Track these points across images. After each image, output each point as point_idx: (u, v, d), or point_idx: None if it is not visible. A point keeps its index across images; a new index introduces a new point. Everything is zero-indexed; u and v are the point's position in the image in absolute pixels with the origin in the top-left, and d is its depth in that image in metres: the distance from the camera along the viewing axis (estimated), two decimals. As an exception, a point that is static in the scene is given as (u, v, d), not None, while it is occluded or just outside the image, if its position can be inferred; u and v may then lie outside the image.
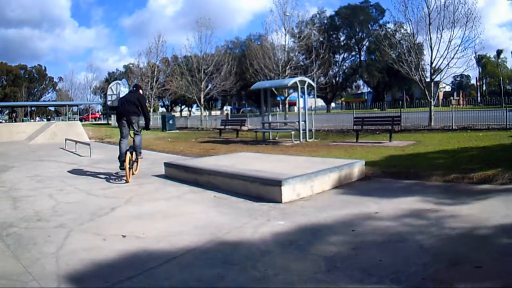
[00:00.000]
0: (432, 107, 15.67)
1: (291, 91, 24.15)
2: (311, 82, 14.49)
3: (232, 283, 2.55)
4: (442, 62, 15.72)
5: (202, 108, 30.09)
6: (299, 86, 13.28)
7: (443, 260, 2.75)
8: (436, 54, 15.78)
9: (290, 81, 13.64)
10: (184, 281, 2.61)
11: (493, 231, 3.29)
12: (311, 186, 4.99)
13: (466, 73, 56.64)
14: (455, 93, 56.76)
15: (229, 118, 23.76)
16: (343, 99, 65.28)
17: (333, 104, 61.76)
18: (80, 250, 3.20)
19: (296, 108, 31.16)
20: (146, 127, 7.12)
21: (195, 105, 53.68)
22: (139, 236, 3.56)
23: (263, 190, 4.84)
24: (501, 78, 56.89)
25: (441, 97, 34.67)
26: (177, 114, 56.70)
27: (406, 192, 4.91)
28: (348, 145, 10.87)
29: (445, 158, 7.28)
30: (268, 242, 3.30)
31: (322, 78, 35.56)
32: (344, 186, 5.45)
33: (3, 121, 47.71)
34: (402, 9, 16.36)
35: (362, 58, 54.18)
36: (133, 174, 6.82)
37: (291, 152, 9.29)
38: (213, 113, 50.09)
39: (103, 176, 7.05)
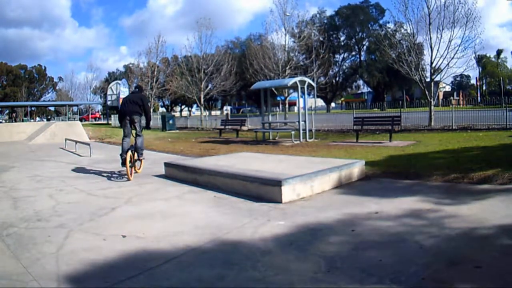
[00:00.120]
0: (432, 107, 15.68)
1: (291, 91, 24.17)
2: (311, 82, 14.49)
3: (232, 283, 2.55)
4: (442, 62, 15.76)
5: (202, 108, 30.08)
6: (299, 86, 13.28)
7: (443, 260, 2.75)
8: (436, 54, 15.83)
9: (290, 81, 13.64)
10: (184, 281, 2.61)
11: (493, 231, 3.29)
12: (311, 186, 4.99)
13: (466, 73, 56.81)
14: (455, 93, 56.76)
15: (229, 118, 23.76)
16: (343, 99, 65.26)
17: (333, 104, 61.76)
18: (80, 250, 3.20)
19: (296, 108, 31.17)
20: (147, 125, 7.30)
21: (195, 105, 53.67)
22: (139, 236, 3.56)
23: (263, 190, 4.84)
24: (501, 78, 56.92)
25: (441, 97, 34.68)
26: (177, 114, 56.72)
27: (406, 192, 4.90)
28: (348, 145, 10.87)
29: (445, 158, 7.28)
30: (268, 242, 3.30)
31: (322, 78, 35.60)
32: (344, 186, 5.45)
33: (3, 121, 47.73)
34: (402, 9, 16.43)
35: (362, 58, 54.21)
36: (136, 172, 7.02)
37: (291, 152, 9.29)
38: (213, 113, 50.15)
39: (103, 176, 7.05)
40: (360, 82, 59.32)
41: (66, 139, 13.56)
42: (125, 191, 5.65)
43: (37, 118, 57.69)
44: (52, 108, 64.16)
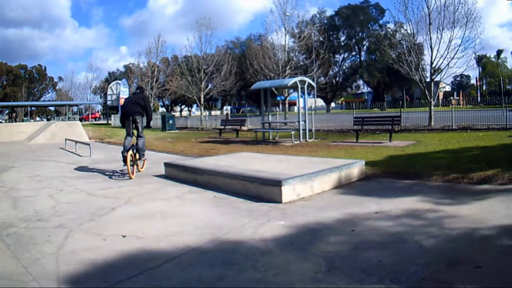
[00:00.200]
0: (432, 107, 15.68)
1: (291, 91, 24.17)
2: (311, 82, 14.49)
3: (232, 283, 2.55)
4: (442, 62, 15.76)
5: (202, 108, 30.09)
6: (299, 86, 13.28)
7: (443, 260, 2.75)
8: (436, 54, 15.83)
9: (290, 81, 13.63)
10: (184, 281, 2.61)
11: (493, 231, 3.29)
12: (311, 186, 4.99)
13: (466, 73, 56.87)
14: (455, 93, 56.79)
15: (229, 118, 23.75)
16: (343, 99, 65.26)
17: (333, 104, 61.76)
18: (80, 250, 3.20)
19: (296, 108, 31.19)
20: (147, 124, 7.44)
21: (195, 105, 53.67)
22: (139, 236, 3.56)
23: (263, 190, 4.84)
24: (501, 78, 56.94)
25: (441, 97, 34.70)
26: (177, 114, 56.72)
27: (406, 192, 4.90)
28: (348, 145, 10.87)
29: (445, 158, 7.28)
30: (268, 242, 3.30)
31: (322, 78, 35.59)
32: (344, 186, 5.45)
33: (3, 121, 47.74)
34: (402, 9, 16.42)
35: (362, 58, 54.22)
36: (139, 171, 7.26)
37: (291, 152, 9.29)
38: (213, 113, 50.13)
39: (103, 176, 7.06)
40: (360, 82, 59.37)
41: (66, 139, 13.56)
42: (125, 191, 5.65)
43: (37, 118, 57.73)
44: (52, 108, 64.20)
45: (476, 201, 4.28)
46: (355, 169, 5.89)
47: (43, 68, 66.82)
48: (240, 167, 5.94)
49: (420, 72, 16.34)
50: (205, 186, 5.73)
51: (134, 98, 7.29)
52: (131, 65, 43.17)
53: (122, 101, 34.29)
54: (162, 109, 60.64)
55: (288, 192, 4.65)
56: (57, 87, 65.13)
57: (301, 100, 14.98)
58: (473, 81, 64.53)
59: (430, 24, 15.75)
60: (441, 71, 15.91)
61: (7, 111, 58.02)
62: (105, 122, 39.52)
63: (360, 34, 52.83)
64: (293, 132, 12.96)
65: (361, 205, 4.33)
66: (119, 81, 39.30)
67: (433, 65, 16.04)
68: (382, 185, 5.44)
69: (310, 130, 13.48)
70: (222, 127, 18.27)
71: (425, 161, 7.15)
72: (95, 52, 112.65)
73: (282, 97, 28.81)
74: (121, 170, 7.42)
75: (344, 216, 3.97)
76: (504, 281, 2.41)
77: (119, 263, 2.95)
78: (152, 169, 7.53)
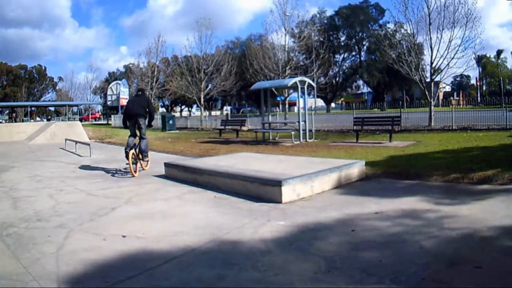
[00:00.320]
0: (432, 107, 15.68)
1: (291, 91, 24.16)
2: (311, 82, 14.49)
3: (232, 283, 2.56)
4: (442, 62, 15.75)
5: (202, 108, 30.08)
6: (299, 86, 13.28)
7: (443, 260, 2.75)
8: (436, 54, 15.83)
9: (290, 81, 13.63)
10: (184, 281, 2.61)
11: (493, 231, 3.29)
12: (311, 186, 4.99)
13: (466, 73, 56.86)
14: (455, 93, 56.76)
15: (229, 118, 23.76)
16: (343, 99, 65.25)
17: (333, 104, 61.73)
18: (80, 250, 3.20)
19: (296, 108, 31.19)
20: (149, 124, 7.59)
21: (195, 105, 53.67)
22: (139, 236, 3.56)
23: (263, 190, 4.84)
24: (501, 78, 56.92)
25: (441, 97, 34.67)
26: (177, 114, 56.73)
27: (406, 192, 4.91)
28: (348, 145, 10.87)
29: (445, 158, 7.28)
30: (268, 242, 3.30)
31: (322, 78, 35.59)
32: (344, 186, 5.45)
33: (3, 121, 47.76)
34: (402, 9, 16.42)
35: (362, 58, 54.21)
36: (143, 169, 7.39)
37: (291, 152, 9.29)
38: (213, 113, 50.19)
39: (103, 176, 7.06)
40: (360, 82, 59.36)
41: (66, 139, 13.56)
42: (125, 191, 5.65)
43: (37, 118, 57.73)
44: (52, 108, 64.17)
45: (476, 201, 4.28)
46: (355, 169, 5.89)
47: (43, 68, 66.89)
48: (240, 167, 5.94)
49: (420, 72, 16.34)
50: (205, 186, 5.73)
51: (137, 100, 7.45)
52: (131, 65, 43.20)
53: (122, 102, 34.54)
54: (162, 109, 60.58)
55: (288, 192, 4.65)
56: (57, 87, 65.17)
57: (301, 100, 14.99)
58: (473, 81, 64.56)
59: (430, 24, 15.76)
60: (441, 71, 15.91)
61: (7, 111, 58.02)
62: (105, 122, 39.53)
63: (360, 34, 52.84)
64: (293, 133, 12.95)
65: (361, 205, 4.33)
66: (119, 81, 39.34)
67: (433, 65, 16.05)
68: (382, 185, 5.44)
69: (310, 131, 13.48)
70: (222, 127, 18.27)
71: (425, 161, 7.15)
72: (95, 52, 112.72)
73: (282, 97, 28.81)
74: (125, 169, 7.54)
75: (344, 216, 3.97)
76: (504, 281, 2.41)
77: (119, 263, 2.95)
78: (152, 169, 7.53)
